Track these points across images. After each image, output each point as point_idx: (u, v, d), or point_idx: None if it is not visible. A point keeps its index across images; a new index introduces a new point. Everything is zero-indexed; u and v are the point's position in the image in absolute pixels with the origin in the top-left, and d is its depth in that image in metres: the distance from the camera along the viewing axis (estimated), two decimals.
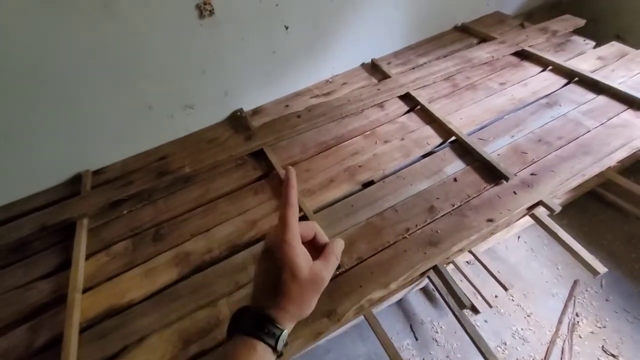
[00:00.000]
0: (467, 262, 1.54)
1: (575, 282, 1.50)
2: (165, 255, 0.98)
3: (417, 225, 0.94)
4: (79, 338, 0.82)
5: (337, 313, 0.80)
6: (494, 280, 1.42)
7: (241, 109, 1.44)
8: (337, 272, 0.87)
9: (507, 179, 1.00)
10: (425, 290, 1.57)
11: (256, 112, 1.45)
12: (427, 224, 0.94)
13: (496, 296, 1.48)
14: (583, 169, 1.02)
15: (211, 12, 1.13)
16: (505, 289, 1.32)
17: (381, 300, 0.87)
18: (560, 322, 1.40)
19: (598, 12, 1.95)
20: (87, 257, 1.01)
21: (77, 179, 1.26)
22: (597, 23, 1.93)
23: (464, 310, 1.21)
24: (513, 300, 1.48)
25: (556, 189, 0.99)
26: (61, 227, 1.09)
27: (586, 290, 1.50)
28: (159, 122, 1.32)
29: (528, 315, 1.45)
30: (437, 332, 1.43)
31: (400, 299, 1.54)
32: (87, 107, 1.14)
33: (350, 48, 1.53)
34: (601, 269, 0.90)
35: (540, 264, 1.60)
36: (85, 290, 0.93)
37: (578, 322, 1.41)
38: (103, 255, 1.01)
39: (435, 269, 0.90)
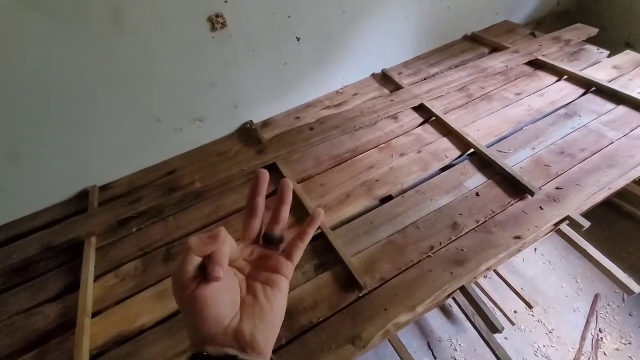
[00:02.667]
0: (484, 276, 1.49)
1: (597, 297, 1.45)
2: None
3: (441, 244, 0.90)
4: None
5: (362, 339, 0.75)
6: (513, 294, 1.37)
7: (251, 121, 1.41)
8: (360, 295, 0.83)
9: (532, 193, 0.97)
10: (441, 307, 1.52)
11: (266, 124, 1.42)
12: (452, 242, 0.90)
13: (515, 312, 1.43)
14: (610, 182, 0.99)
15: (223, 25, 1.11)
16: (530, 306, 1.27)
17: (408, 323, 0.83)
18: (583, 338, 1.35)
19: (607, 21, 1.93)
20: (96, 278, 0.97)
21: (83, 195, 1.23)
22: (606, 31, 1.91)
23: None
24: (533, 316, 1.43)
25: (583, 204, 0.96)
26: (68, 247, 1.05)
27: (608, 305, 1.45)
28: (168, 136, 1.29)
29: (550, 332, 1.39)
30: (456, 350, 1.38)
31: None
32: (93, 121, 1.11)
33: (361, 58, 1.51)
34: (636, 288, 0.86)
35: (559, 277, 1.55)
36: (94, 315, 0.89)
37: (602, 338, 1.36)
38: (112, 276, 0.97)
39: (462, 289, 0.86)
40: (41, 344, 0.85)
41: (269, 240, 0.39)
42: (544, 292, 1.51)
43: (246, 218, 0.39)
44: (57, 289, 0.97)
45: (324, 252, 0.93)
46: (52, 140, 1.09)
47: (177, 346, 0.80)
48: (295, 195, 1.07)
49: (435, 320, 1.49)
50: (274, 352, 0.37)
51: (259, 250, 0.38)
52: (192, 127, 1.31)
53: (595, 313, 1.41)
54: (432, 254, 0.88)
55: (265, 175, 0.40)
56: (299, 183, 1.12)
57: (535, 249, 1.66)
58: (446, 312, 1.51)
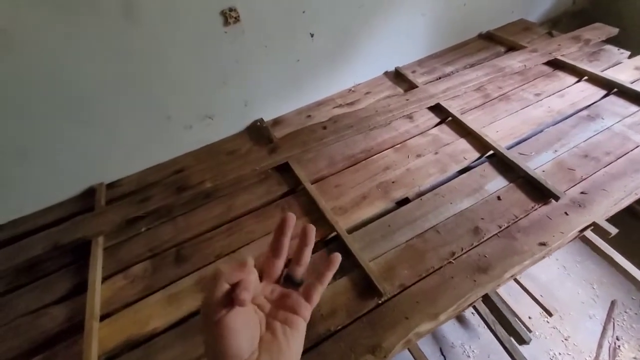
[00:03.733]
0: None
1: (613, 303, 1.42)
2: (189, 278, 0.91)
3: (462, 249, 0.87)
4: None
5: (382, 349, 0.72)
6: (528, 299, 1.34)
7: (261, 119, 1.38)
8: (379, 302, 0.79)
9: (557, 198, 0.93)
10: None
11: (277, 122, 1.39)
12: (474, 248, 0.87)
13: (530, 317, 1.40)
14: (637, 187, 0.95)
15: (236, 19, 1.07)
16: (550, 314, 1.24)
17: (429, 332, 0.80)
18: (600, 346, 1.32)
19: (624, 20, 1.89)
20: (104, 279, 0.94)
21: (90, 193, 1.20)
22: (625, 30, 1.87)
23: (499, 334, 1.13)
24: (548, 322, 1.40)
25: (610, 209, 0.92)
26: (74, 246, 1.02)
27: (625, 312, 1.42)
28: (177, 133, 1.25)
29: (565, 339, 1.36)
30: (469, 356, 1.35)
31: None
32: (100, 116, 1.08)
33: (374, 55, 1.47)
34: None
35: (575, 283, 1.52)
36: (102, 318, 0.86)
37: (619, 346, 1.32)
38: (121, 277, 0.94)
39: (485, 297, 0.82)
40: (48, 347, 0.82)
41: (290, 281, 0.40)
42: (559, 298, 1.48)
43: (269, 257, 0.41)
44: (64, 290, 0.94)
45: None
46: (59, 136, 1.06)
47: (190, 352, 0.77)
48: (309, 197, 1.04)
49: (447, 325, 1.45)
50: None
51: (280, 290, 0.40)
52: (202, 124, 1.28)
53: (612, 320, 1.38)
54: (454, 259, 0.85)
55: (292, 218, 0.41)
56: (312, 183, 1.09)
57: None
58: (459, 317, 1.48)
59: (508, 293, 1.41)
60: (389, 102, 1.33)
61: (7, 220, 1.13)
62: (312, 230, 0.42)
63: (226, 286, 0.32)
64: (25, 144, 1.03)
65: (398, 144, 1.19)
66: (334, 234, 0.95)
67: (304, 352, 0.74)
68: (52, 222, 1.12)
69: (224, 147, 1.32)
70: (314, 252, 0.88)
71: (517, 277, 1.28)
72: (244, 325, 0.33)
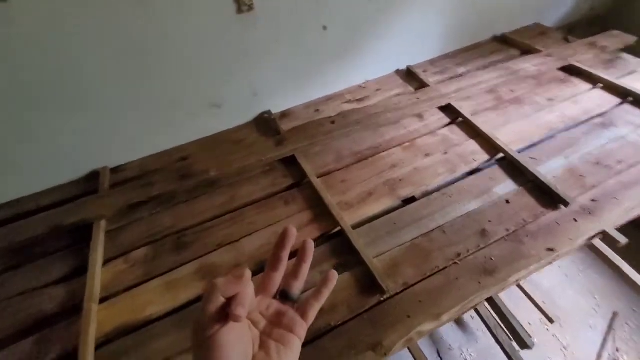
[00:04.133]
0: None
1: (615, 315, 1.40)
2: (189, 266, 0.90)
3: (468, 251, 0.85)
4: (94, 356, 0.74)
5: (383, 346, 0.71)
6: (528, 304, 1.32)
7: (269, 111, 1.37)
8: (382, 299, 0.78)
9: (566, 204, 0.92)
10: None
11: (285, 115, 1.38)
12: (480, 250, 0.86)
13: (529, 324, 1.38)
14: None
15: (250, 7, 1.06)
16: (551, 321, 1.22)
17: (431, 332, 0.79)
18: (599, 357, 1.30)
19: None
20: (105, 263, 0.93)
21: (94, 176, 1.19)
22: None
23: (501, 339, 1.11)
24: (548, 330, 1.38)
25: (620, 218, 0.90)
26: (75, 229, 1.01)
27: (626, 324, 1.40)
28: (183, 120, 1.24)
29: (564, 348, 1.35)
30: (466, 359, 1.34)
31: None
32: (107, 100, 1.07)
33: (386, 52, 1.46)
34: None
35: (576, 291, 1.50)
36: (101, 301, 0.85)
37: (618, 358, 1.31)
38: (121, 262, 0.93)
39: (490, 300, 0.81)
40: (45, 327, 0.82)
41: (286, 297, 0.39)
42: (560, 306, 1.46)
43: (268, 271, 0.40)
44: (63, 271, 0.93)
45: (344, 251, 0.89)
46: (63, 117, 1.05)
47: (185, 341, 0.76)
48: (315, 191, 1.03)
49: (445, 327, 1.44)
50: None
51: (276, 306, 0.39)
52: (209, 113, 1.27)
53: (613, 331, 1.36)
54: (459, 260, 0.84)
55: (293, 231, 0.40)
56: (318, 177, 1.07)
57: None
58: (458, 319, 1.47)
59: (508, 297, 1.40)
60: (400, 100, 1.31)
61: (7, 199, 1.12)
62: (311, 247, 0.41)
63: (221, 300, 0.31)
64: (30, 124, 1.02)
65: (407, 143, 1.18)
66: (338, 228, 0.93)
67: (303, 346, 0.73)
68: (54, 203, 1.11)
69: (230, 137, 1.31)
70: (317, 246, 0.87)
71: (520, 282, 1.27)
72: (237, 342, 0.31)
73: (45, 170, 1.13)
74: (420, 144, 1.17)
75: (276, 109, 1.39)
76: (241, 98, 1.29)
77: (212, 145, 1.28)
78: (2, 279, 0.93)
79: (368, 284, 0.81)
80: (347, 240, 0.89)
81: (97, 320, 0.81)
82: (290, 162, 1.15)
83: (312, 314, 0.39)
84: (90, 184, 1.16)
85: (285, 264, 0.40)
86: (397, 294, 0.79)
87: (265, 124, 1.33)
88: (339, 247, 0.90)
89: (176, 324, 0.79)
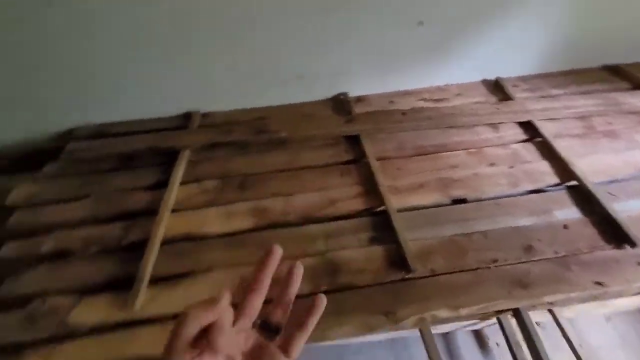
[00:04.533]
0: (537, 322, 1.34)
1: None
2: (246, 204, 1.03)
3: (507, 260, 0.84)
4: (159, 249, 0.91)
5: (395, 315, 0.75)
6: (559, 343, 1.21)
7: (346, 93, 1.45)
8: (407, 276, 0.82)
9: (633, 244, 0.84)
10: (478, 334, 1.42)
11: (360, 100, 1.44)
12: (520, 263, 0.84)
13: None
14: None
15: None
16: None
17: (445, 321, 0.80)
18: None
19: None
20: (181, 183, 1.10)
21: (187, 116, 1.39)
22: None
23: None
24: None
25: None
26: (166, 152, 1.21)
27: None
28: (270, 85, 1.38)
29: None
30: None
31: (447, 333, 1.42)
32: (210, 53, 1.24)
33: (476, 59, 1.43)
34: None
35: (629, 355, 1.33)
36: (173, 211, 1.02)
37: None
38: (195, 186, 1.10)
39: (516, 312, 0.80)
40: (130, 218, 1.01)
41: (267, 329, 0.34)
42: None
43: (248, 292, 0.34)
44: (150, 181, 1.13)
45: (382, 228, 0.94)
46: (174, 60, 1.24)
47: (231, 259, 0.89)
48: (369, 171, 1.08)
49: (465, 343, 1.40)
50: None
51: (255, 338, 0.34)
52: (294, 83, 1.39)
53: None
54: (494, 265, 0.83)
55: (278, 250, 0.36)
56: (377, 160, 1.13)
57: (609, 319, 1.45)
58: (481, 341, 1.41)
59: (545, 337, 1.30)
60: (478, 107, 1.29)
61: (121, 119, 1.37)
62: (300, 271, 0.37)
63: (196, 328, 0.26)
64: (149, 61, 1.23)
65: (474, 149, 1.17)
66: (382, 207, 0.98)
67: (325, 292, 0.80)
68: (154, 129, 1.33)
69: (305, 109, 1.41)
70: (358, 217, 0.94)
71: (558, 318, 1.17)
72: None
73: (152, 102, 1.36)
74: (487, 153, 1.15)
75: (353, 92, 1.46)
76: (324, 75, 1.39)
77: (288, 111, 1.40)
78: (107, 176, 1.16)
79: (397, 261, 0.85)
80: (388, 219, 0.94)
81: (166, 225, 0.98)
82: (354, 141, 1.22)
83: (297, 349, 0.33)
84: (183, 121, 1.37)
85: (266, 287, 0.35)
86: (422, 277, 0.82)
87: (340, 103, 1.41)
88: (379, 223, 0.95)
89: (225, 244, 0.93)
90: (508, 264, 0.84)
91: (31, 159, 1.29)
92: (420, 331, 0.80)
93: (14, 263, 0.96)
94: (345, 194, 1.04)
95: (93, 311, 0.80)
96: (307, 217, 0.99)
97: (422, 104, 1.39)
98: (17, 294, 0.86)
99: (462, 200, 1.02)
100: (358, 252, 0.88)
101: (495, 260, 0.84)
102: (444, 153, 1.16)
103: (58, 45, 1.15)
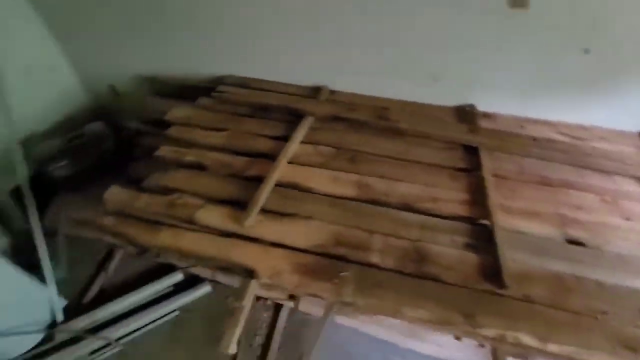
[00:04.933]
0: None
1: None
2: (352, 176, 1.11)
3: (618, 317, 0.75)
4: (272, 188, 1.04)
5: (475, 319, 0.74)
6: None
7: (474, 105, 1.41)
8: (498, 291, 0.79)
9: None
10: None
11: (487, 116, 1.39)
12: (634, 327, 0.74)
13: None
14: None
15: (523, 5, 1.10)
16: None
17: (526, 349, 0.75)
18: None
19: None
20: (301, 142, 1.23)
21: (316, 89, 1.51)
22: None
23: None
24: None
25: None
26: (294, 113, 1.35)
27: None
28: (401, 78, 1.42)
29: None
30: None
31: None
32: (355, 36, 1.33)
33: (635, 107, 1.26)
34: None
35: None
36: (289, 162, 1.15)
37: None
38: (311, 147, 1.21)
39: None
40: (257, 157, 1.17)
41: None
42: None
43: None
44: (276, 132, 1.28)
45: (480, 238, 0.91)
46: (311, 34, 1.38)
47: (329, 216, 0.97)
48: (481, 183, 1.05)
49: None
50: None
51: None
52: (424, 82, 1.40)
53: None
54: (600, 317, 0.75)
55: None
56: (492, 176, 1.09)
57: None
58: None
59: None
60: (625, 155, 1.15)
61: (259, 77, 1.56)
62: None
63: None
64: (295, 28, 1.38)
65: (609, 197, 1.05)
66: (485, 221, 0.96)
67: (409, 275, 0.82)
68: (287, 92, 1.49)
69: (429, 111, 1.42)
70: (457, 221, 0.93)
71: None
72: None
73: (290, 69, 1.53)
74: (624, 206, 1.02)
75: (481, 107, 1.41)
76: (458, 83, 1.37)
77: (411, 107, 1.43)
78: (243, 119, 1.35)
79: (491, 274, 0.83)
80: (490, 233, 0.91)
81: (280, 170, 1.10)
82: (472, 152, 1.19)
83: None
84: (312, 92, 1.49)
85: None
86: (515, 298, 0.79)
87: (465, 114, 1.38)
88: (479, 233, 0.93)
89: (326, 203, 1.01)
90: (617, 321, 0.75)
91: (188, 91, 1.58)
92: (493, 354, 0.77)
93: (164, 162, 1.20)
94: (449, 197, 1.04)
95: (213, 216, 0.96)
96: (406, 205, 1.01)
97: (557, 136, 1.28)
98: (161, 186, 1.08)
99: (579, 243, 0.93)
100: (450, 252, 0.88)
101: (604, 313, 0.76)
102: (571, 191, 1.06)
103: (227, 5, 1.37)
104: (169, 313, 1.37)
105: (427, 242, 0.90)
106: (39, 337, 1.25)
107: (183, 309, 1.39)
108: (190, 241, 0.91)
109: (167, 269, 1.44)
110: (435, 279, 0.82)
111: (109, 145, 1.70)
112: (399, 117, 1.31)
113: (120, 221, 0.98)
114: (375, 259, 0.85)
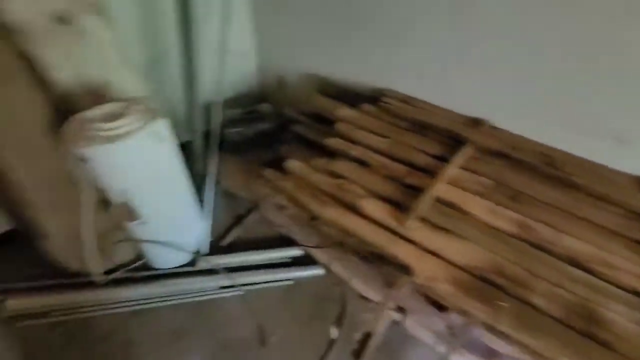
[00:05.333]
0: None
1: None
2: (513, 214, 1.09)
3: None
4: (431, 201, 1.09)
5: None
6: None
7: None
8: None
9: None
10: None
11: None
12: None
13: None
14: None
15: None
16: None
17: None
18: None
19: None
20: (460, 167, 1.25)
21: (476, 121, 1.50)
22: None
23: None
24: None
25: None
26: (455, 138, 1.38)
27: None
28: (576, 132, 1.31)
29: None
30: None
31: None
32: (530, 79, 1.30)
33: None
34: None
35: None
36: (447, 183, 1.18)
37: None
38: (469, 175, 1.22)
39: None
40: (411, 167, 1.24)
41: None
42: None
43: None
44: (435, 151, 1.33)
45: None
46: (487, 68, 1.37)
47: (486, 243, 0.97)
48: None
49: None
50: None
51: None
52: (603, 139, 1.26)
53: None
54: None
55: None
56: None
57: None
58: None
59: None
60: None
61: (416, 96, 1.63)
62: None
63: None
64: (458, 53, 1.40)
65: None
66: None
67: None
68: (447, 117, 1.53)
69: (604, 172, 1.27)
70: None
71: None
72: None
73: (447, 95, 1.55)
74: None
75: None
76: None
77: (582, 163, 1.31)
78: (404, 132, 1.44)
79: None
80: None
81: (439, 187, 1.15)
82: None
83: None
84: (472, 123, 1.49)
85: None
86: None
87: None
88: None
89: (484, 230, 1.02)
90: None
91: (349, 97, 1.75)
92: None
93: (332, 151, 1.36)
94: (627, 267, 0.94)
95: (376, 209, 1.06)
96: (573, 260, 0.95)
97: None
98: (328, 170, 1.23)
99: None
100: (626, 324, 0.80)
101: None
102: None
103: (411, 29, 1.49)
104: (284, 280, 1.52)
105: (599, 306, 0.84)
106: (187, 258, 1.52)
107: (296, 281, 1.52)
108: (352, 222, 1.02)
109: (287, 242, 1.60)
110: (605, 345, 0.76)
111: (272, 125, 1.99)
112: (572, 169, 1.23)
113: (296, 187, 1.15)
114: (537, 301, 0.83)
